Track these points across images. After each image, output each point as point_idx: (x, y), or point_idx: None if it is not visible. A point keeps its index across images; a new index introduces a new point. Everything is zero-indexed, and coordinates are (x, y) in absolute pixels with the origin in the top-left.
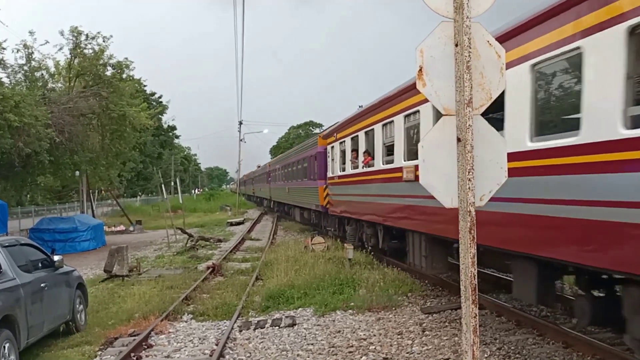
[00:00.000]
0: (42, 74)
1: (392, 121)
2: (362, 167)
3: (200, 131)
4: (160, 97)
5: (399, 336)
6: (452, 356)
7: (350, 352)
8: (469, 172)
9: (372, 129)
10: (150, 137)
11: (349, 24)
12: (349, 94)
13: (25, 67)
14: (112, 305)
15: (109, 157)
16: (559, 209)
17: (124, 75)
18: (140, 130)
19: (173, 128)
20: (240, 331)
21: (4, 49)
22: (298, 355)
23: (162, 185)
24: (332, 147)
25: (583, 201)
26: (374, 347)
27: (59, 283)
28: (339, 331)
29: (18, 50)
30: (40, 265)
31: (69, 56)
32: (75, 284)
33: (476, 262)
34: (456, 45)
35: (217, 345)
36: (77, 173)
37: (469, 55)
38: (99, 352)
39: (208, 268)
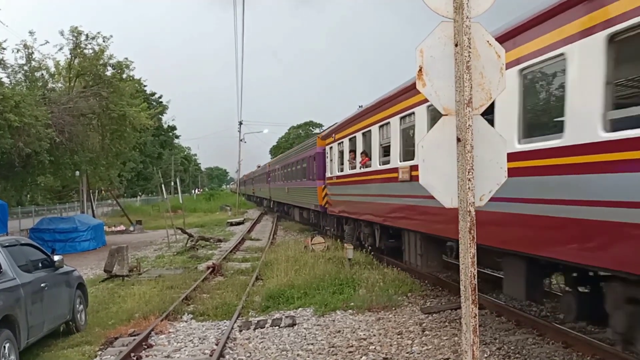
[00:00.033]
0: (42, 74)
1: (389, 123)
2: (360, 168)
3: (200, 131)
4: (160, 97)
5: (398, 336)
6: (452, 356)
7: (350, 352)
8: (468, 172)
9: (369, 130)
10: (150, 137)
11: (349, 24)
12: (349, 94)
13: (26, 67)
14: (112, 305)
15: (109, 157)
16: (546, 208)
17: (124, 75)
18: (140, 130)
19: (173, 128)
20: (240, 331)
21: (4, 49)
22: (298, 355)
23: (162, 185)
24: (331, 147)
25: (567, 200)
26: (373, 347)
27: (59, 283)
28: (339, 331)
29: (18, 50)
30: (40, 265)
31: (69, 56)
32: (76, 284)
33: (476, 262)
34: (456, 45)
35: (217, 345)
36: (77, 173)
37: (469, 55)
38: (99, 352)
39: (208, 268)
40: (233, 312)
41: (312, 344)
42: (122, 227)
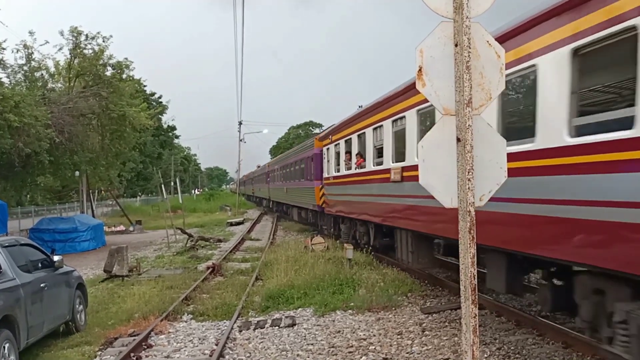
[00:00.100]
0: (42, 74)
1: (382, 125)
2: (355, 169)
3: (200, 131)
4: (160, 97)
5: (398, 336)
6: (451, 356)
7: (350, 352)
8: (468, 172)
9: (364, 132)
10: (150, 137)
11: (349, 24)
12: (349, 94)
13: (25, 67)
14: (112, 306)
15: (108, 157)
16: (522, 207)
17: (124, 76)
18: (140, 130)
19: (173, 128)
20: (240, 331)
21: (4, 49)
22: (298, 355)
23: (162, 186)
24: (328, 148)
25: (540, 200)
26: (373, 347)
27: (59, 283)
28: (339, 331)
29: (18, 51)
30: (40, 265)
31: (68, 56)
32: (75, 284)
33: (476, 262)
34: (456, 45)
35: (216, 345)
36: (77, 173)
37: (469, 55)
38: (99, 352)
39: (208, 268)
40: (233, 312)
41: (312, 344)
42: (122, 227)
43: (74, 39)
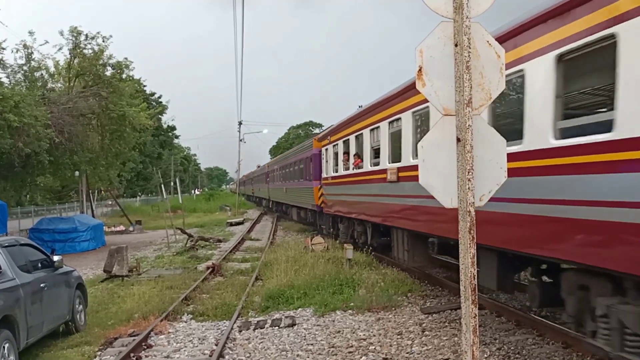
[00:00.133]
0: (42, 74)
1: (379, 127)
2: (353, 169)
3: (200, 131)
4: (160, 97)
5: (398, 336)
6: (451, 356)
7: (350, 352)
8: (468, 172)
9: (362, 133)
10: (149, 137)
11: (349, 24)
12: (349, 94)
13: (25, 67)
14: (112, 306)
15: (108, 157)
16: (511, 206)
17: (124, 76)
18: (140, 130)
19: (173, 128)
20: (240, 331)
21: (4, 49)
22: (298, 355)
23: (162, 186)
24: (326, 149)
25: (527, 199)
26: (373, 347)
27: (59, 283)
28: (339, 331)
29: (18, 51)
30: (39, 265)
31: (68, 56)
32: (75, 284)
33: (476, 262)
34: (456, 45)
35: (216, 345)
36: (77, 173)
37: (469, 55)
38: (99, 353)
39: (208, 268)
40: (233, 312)
41: (311, 344)
42: (122, 227)
43: (73, 39)
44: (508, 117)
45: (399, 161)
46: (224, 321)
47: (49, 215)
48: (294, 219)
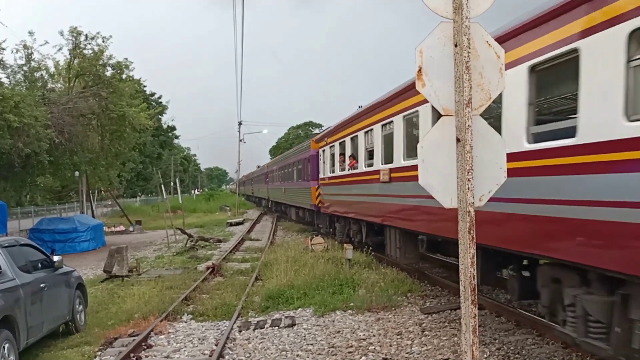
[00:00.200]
0: (42, 75)
1: (372, 129)
2: (348, 170)
3: (200, 131)
4: (159, 98)
5: (398, 336)
6: (451, 356)
7: (349, 352)
8: (468, 173)
9: (357, 135)
10: (149, 137)
11: (349, 24)
12: (349, 94)
13: (25, 68)
14: (112, 306)
15: (108, 157)
16: (488, 204)
17: (124, 76)
18: (140, 130)
19: (173, 128)
20: (240, 331)
21: (4, 49)
22: (298, 355)
23: (162, 186)
24: (324, 150)
25: (504, 199)
26: (373, 347)
27: (59, 283)
28: (339, 331)
29: (17, 51)
30: (39, 265)
31: (68, 56)
32: (75, 284)
33: (475, 262)
34: (455, 46)
35: (216, 345)
36: (77, 173)
37: (468, 56)
38: (99, 353)
39: (208, 268)
40: (232, 312)
41: (311, 344)
42: (122, 228)
43: (73, 39)
44: (487, 122)
45: (391, 162)
46: (224, 321)
47: (49, 215)
48: (292, 218)
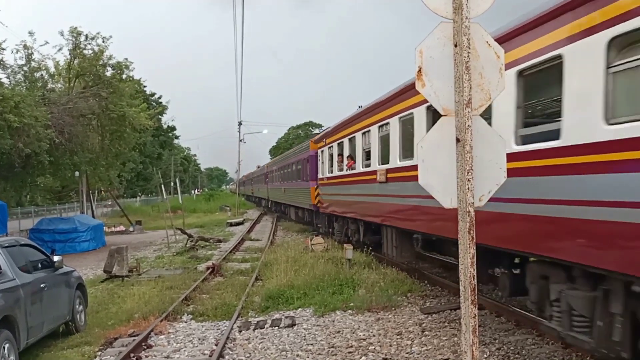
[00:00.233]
0: (42, 75)
1: (369, 130)
2: (346, 170)
3: (200, 131)
4: (160, 98)
5: (398, 336)
6: (451, 356)
7: (349, 352)
8: (468, 173)
9: (354, 136)
10: (149, 137)
11: (349, 24)
12: (349, 93)
13: (25, 68)
14: (112, 306)
15: (108, 157)
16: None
17: (124, 76)
18: (140, 130)
19: (173, 128)
20: (240, 331)
21: (4, 49)
22: (297, 355)
23: (162, 186)
24: (322, 151)
25: (493, 198)
26: (373, 347)
27: (59, 283)
28: (339, 331)
29: (18, 51)
30: (40, 265)
31: (68, 57)
32: (75, 284)
33: (475, 262)
34: (455, 46)
35: (216, 345)
36: (77, 173)
37: (468, 56)
38: (99, 353)
39: (208, 268)
40: (232, 312)
41: (311, 344)
42: (122, 228)
43: (73, 39)
44: None
45: (388, 163)
46: (224, 321)
47: (49, 215)
48: (292, 218)
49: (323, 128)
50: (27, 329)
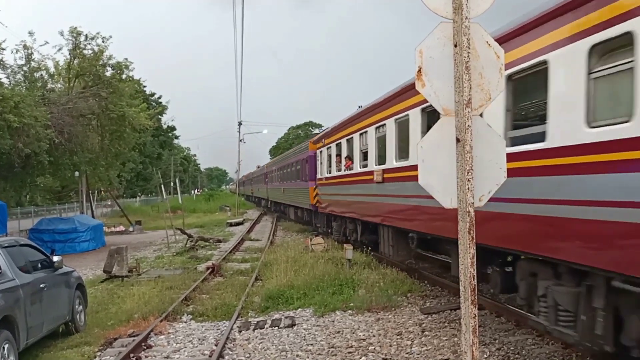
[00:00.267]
0: (42, 75)
1: (367, 131)
2: (344, 170)
3: (199, 131)
4: (159, 98)
5: (398, 336)
6: (451, 356)
7: (349, 352)
8: (468, 173)
9: (352, 137)
10: (149, 137)
11: (349, 24)
12: (349, 93)
13: (25, 68)
14: (112, 306)
15: (108, 157)
16: None
17: (124, 76)
18: (140, 130)
19: (172, 128)
20: (240, 332)
21: (4, 49)
22: (297, 355)
23: (162, 186)
24: (321, 151)
25: None
26: (373, 347)
27: (59, 284)
28: (339, 331)
29: (17, 51)
30: (39, 265)
31: (68, 57)
32: (75, 284)
33: (475, 262)
34: (455, 46)
35: (216, 345)
36: (77, 174)
37: (468, 56)
38: (99, 353)
39: (207, 268)
40: (232, 312)
41: (311, 344)
42: (122, 228)
43: (73, 39)
44: None
45: (384, 163)
46: (224, 321)
47: (48, 215)
48: (291, 218)
49: (323, 128)
50: (26, 329)
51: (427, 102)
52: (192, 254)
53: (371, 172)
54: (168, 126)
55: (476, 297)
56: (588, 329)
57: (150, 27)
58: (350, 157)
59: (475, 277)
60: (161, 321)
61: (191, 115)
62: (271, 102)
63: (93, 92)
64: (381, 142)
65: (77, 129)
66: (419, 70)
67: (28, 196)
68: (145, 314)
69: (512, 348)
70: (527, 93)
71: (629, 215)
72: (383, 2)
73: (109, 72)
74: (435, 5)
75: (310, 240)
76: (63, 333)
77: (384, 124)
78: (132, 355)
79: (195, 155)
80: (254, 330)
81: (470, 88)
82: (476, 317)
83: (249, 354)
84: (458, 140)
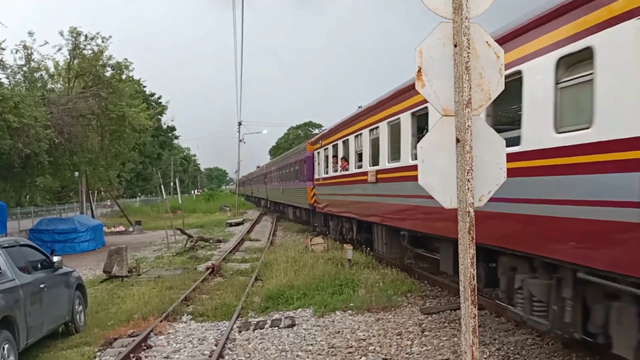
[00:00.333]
0: (42, 75)
1: (361, 133)
2: (340, 171)
3: (199, 131)
4: (159, 98)
5: (398, 337)
6: (451, 356)
7: (349, 352)
8: (468, 173)
9: (348, 139)
10: (149, 137)
11: (349, 24)
12: (348, 93)
13: (25, 68)
14: (112, 306)
15: (108, 157)
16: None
17: (124, 76)
18: (140, 130)
19: (172, 129)
20: (240, 332)
21: (3, 49)
22: (297, 355)
23: (162, 186)
24: (318, 152)
25: None
26: (373, 347)
27: (58, 284)
28: (339, 332)
29: (17, 51)
30: (39, 266)
31: (68, 57)
32: (75, 284)
33: (475, 262)
34: (455, 46)
35: (216, 345)
36: (77, 174)
37: (468, 56)
38: (98, 353)
39: (207, 269)
40: (232, 312)
41: (311, 344)
42: (122, 228)
43: (73, 39)
44: None
45: (378, 164)
46: (224, 322)
47: (48, 215)
48: (290, 217)
49: (323, 128)
50: (26, 329)
51: (418, 106)
52: (192, 254)
53: (365, 173)
54: (168, 126)
55: (476, 297)
56: (559, 318)
57: (150, 27)
58: (346, 158)
59: (475, 277)
60: (161, 321)
61: (191, 115)
62: (271, 102)
63: (93, 92)
64: (375, 144)
65: (77, 129)
66: (419, 71)
67: (28, 196)
68: (145, 314)
69: (512, 348)
70: (505, 100)
71: (590, 213)
72: (383, 2)
73: (108, 72)
74: (435, 5)
75: (310, 240)
76: (63, 333)
77: (378, 127)
78: (132, 355)
79: (195, 155)
80: (254, 330)
81: (470, 88)
82: (476, 317)
83: (249, 354)
84: (458, 141)
